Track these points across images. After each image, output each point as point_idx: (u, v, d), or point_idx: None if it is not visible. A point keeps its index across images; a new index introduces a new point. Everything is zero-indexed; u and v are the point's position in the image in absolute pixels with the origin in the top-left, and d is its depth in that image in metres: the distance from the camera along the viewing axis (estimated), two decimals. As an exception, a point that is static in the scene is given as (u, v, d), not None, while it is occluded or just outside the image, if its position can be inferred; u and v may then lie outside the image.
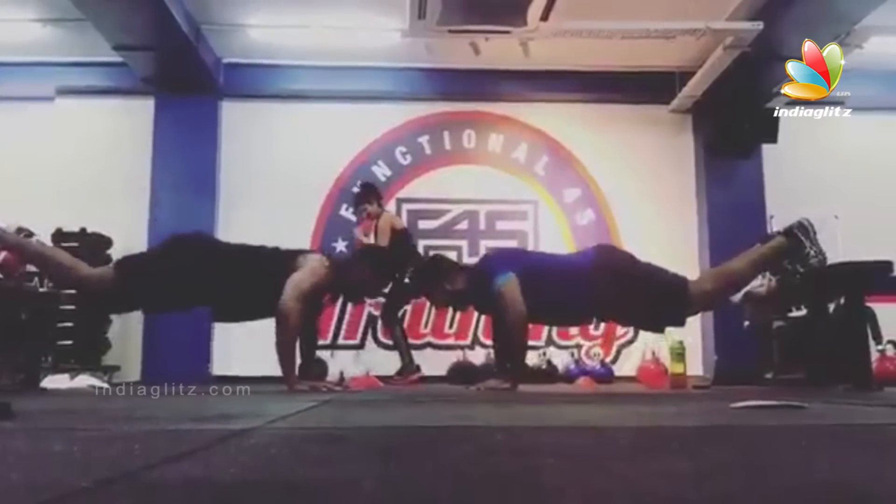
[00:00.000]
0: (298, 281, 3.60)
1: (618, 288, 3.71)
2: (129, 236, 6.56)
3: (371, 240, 5.65)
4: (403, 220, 6.38)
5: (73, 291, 4.97)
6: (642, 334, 6.93)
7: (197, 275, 3.63)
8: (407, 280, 5.36)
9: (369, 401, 2.95)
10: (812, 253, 3.70)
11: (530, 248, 7.15)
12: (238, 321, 4.11)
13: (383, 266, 4.02)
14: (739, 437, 1.57)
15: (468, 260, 7.09)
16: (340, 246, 7.01)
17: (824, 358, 4.46)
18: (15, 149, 7.06)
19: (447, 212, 7.21)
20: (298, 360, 3.73)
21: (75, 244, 6.08)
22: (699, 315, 6.88)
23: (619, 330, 7.07)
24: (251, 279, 3.67)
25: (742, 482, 0.93)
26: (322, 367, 5.72)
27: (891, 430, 1.78)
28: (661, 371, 5.89)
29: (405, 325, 6.18)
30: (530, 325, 4.00)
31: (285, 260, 3.72)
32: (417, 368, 5.66)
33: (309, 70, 7.12)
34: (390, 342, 6.12)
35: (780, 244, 3.79)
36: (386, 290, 5.47)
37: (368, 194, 5.88)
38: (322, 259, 3.78)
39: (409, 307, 6.60)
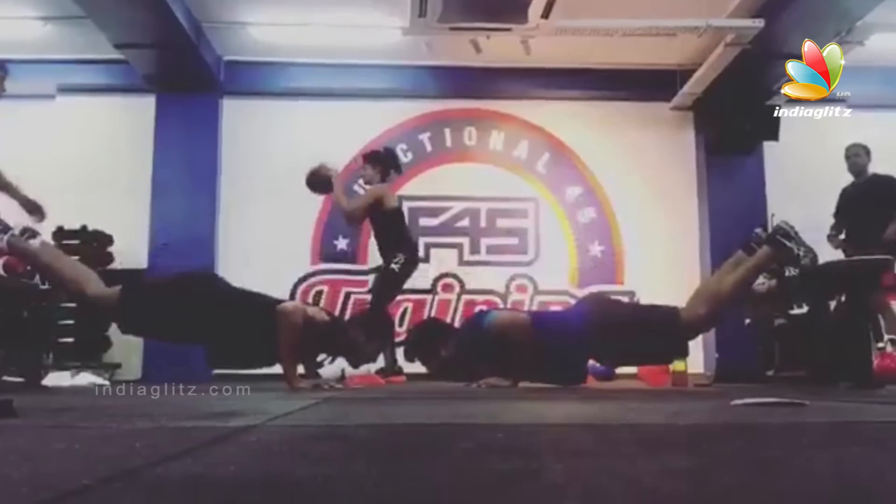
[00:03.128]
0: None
1: (615, 335, 3.76)
2: (131, 234, 6.58)
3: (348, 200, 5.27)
4: (405, 218, 5.81)
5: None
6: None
7: (196, 312, 3.57)
8: (394, 267, 5.17)
9: (370, 398, 2.95)
10: (801, 253, 3.70)
11: (531, 244, 7.17)
12: (230, 368, 4.17)
13: (378, 331, 4.08)
14: (740, 435, 1.57)
15: (469, 257, 7.12)
16: (342, 244, 7.01)
17: (825, 356, 4.46)
18: (16, 146, 6.99)
19: (448, 209, 7.20)
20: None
21: (76, 241, 6.09)
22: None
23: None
24: (241, 327, 3.59)
25: (743, 480, 0.93)
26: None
27: (892, 428, 1.78)
28: (663, 369, 5.88)
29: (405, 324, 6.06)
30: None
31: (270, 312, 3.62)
32: (399, 371, 5.27)
33: (310, 68, 7.12)
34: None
35: (766, 254, 3.76)
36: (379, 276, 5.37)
37: (375, 159, 5.42)
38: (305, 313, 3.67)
39: (409, 305, 6.58)
